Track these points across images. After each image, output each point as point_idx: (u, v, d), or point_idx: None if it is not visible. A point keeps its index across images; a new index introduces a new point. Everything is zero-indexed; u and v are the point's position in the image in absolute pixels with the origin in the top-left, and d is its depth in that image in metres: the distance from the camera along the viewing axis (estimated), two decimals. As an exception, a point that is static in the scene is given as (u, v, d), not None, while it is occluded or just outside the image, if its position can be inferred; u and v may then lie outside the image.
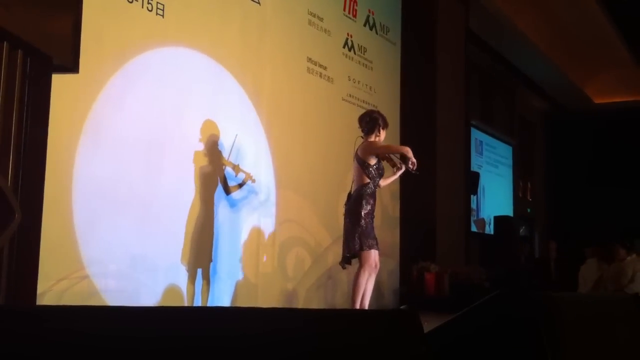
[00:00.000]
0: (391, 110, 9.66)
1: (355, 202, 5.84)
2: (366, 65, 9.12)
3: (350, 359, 1.43)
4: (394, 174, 6.20)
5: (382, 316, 1.58)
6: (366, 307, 5.86)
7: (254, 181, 6.67)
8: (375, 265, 5.81)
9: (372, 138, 6.01)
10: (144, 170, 5.72)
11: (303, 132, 7.82)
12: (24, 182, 2.76)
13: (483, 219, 14.36)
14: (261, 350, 1.43)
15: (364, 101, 8.97)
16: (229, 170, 6.54)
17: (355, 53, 8.87)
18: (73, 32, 3.00)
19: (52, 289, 4.78)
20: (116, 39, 5.51)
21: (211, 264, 6.32)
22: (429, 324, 1.72)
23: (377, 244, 5.85)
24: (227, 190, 6.44)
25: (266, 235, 7.14)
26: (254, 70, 7.06)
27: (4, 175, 2.67)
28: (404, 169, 6.05)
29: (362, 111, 8.87)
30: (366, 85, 9.07)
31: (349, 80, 8.74)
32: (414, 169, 5.92)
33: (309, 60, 7.97)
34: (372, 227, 5.83)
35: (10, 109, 2.71)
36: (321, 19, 8.17)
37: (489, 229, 14.42)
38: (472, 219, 13.59)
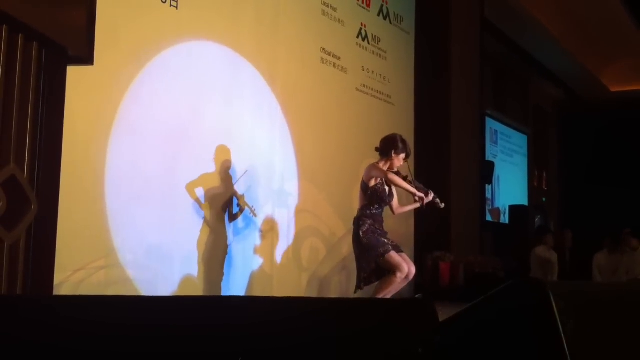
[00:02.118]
0: (405, 100, 9.65)
1: (354, 226, 5.84)
2: (380, 55, 9.10)
3: (366, 347, 1.43)
4: (414, 203, 6.04)
5: (397, 305, 1.58)
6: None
7: (255, 215, 6.62)
8: (402, 265, 5.66)
9: (382, 162, 5.91)
10: (160, 160, 5.75)
11: (317, 122, 7.82)
12: (40, 173, 2.77)
13: (498, 209, 14.32)
14: (276, 338, 1.44)
15: (378, 91, 8.96)
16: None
17: (369, 43, 8.85)
18: (88, 24, 3.00)
19: (68, 279, 4.82)
20: (132, 33, 5.52)
21: (226, 257, 6.35)
22: (443, 313, 1.72)
23: (394, 247, 5.75)
24: (231, 217, 6.43)
25: (281, 226, 7.15)
26: (268, 61, 7.06)
27: (20, 167, 2.69)
28: (424, 200, 5.92)
29: (377, 101, 8.90)
30: (380, 75, 9.05)
31: (363, 70, 8.73)
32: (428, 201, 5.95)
33: (323, 50, 7.96)
34: (378, 239, 5.72)
35: (26, 101, 2.72)
36: (335, 9, 8.15)
37: (504, 219, 14.38)
38: (487, 208, 13.55)
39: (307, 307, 1.57)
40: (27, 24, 2.70)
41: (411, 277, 5.83)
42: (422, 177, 9.69)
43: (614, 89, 17.52)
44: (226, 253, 6.35)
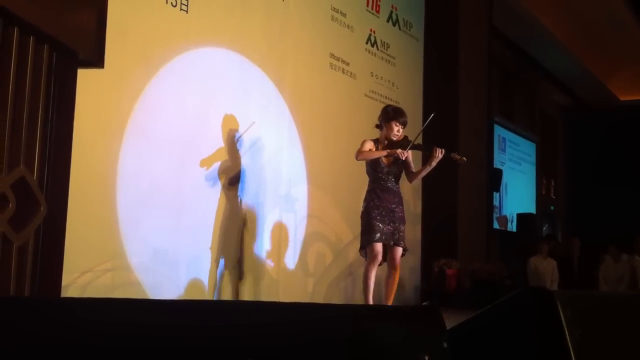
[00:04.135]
0: (413, 106, 9.63)
1: None
2: (389, 61, 9.10)
3: (373, 354, 1.43)
4: (429, 164, 5.83)
5: (404, 312, 1.58)
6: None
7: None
8: (376, 257, 5.62)
9: (380, 136, 5.93)
10: (169, 164, 5.77)
11: (325, 127, 7.82)
12: (49, 175, 2.78)
13: (505, 216, 14.29)
14: (282, 344, 1.44)
15: (386, 97, 8.96)
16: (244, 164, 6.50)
17: (378, 49, 8.86)
18: (98, 27, 3.01)
19: (76, 281, 4.83)
20: (142, 36, 5.54)
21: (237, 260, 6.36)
22: (449, 320, 1.72)
23: (384, 237, 5.65)
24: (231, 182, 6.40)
25: (287, 231, 7.15)
26: (276, 66, 7.07)
27: (30, 169, 2.70)
28: (433, 159, 5.71)
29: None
30: (389, 81, 9.05)
31: (372, 76, 8.73)
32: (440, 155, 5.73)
33: (332, 56, 7.97)
34: (374, 223, 5.63)
35: (36, 104, 2.73)
36: (344, 15, 8.16)
37: (511, 227, 14.35)
38: (495, 216, 13.53)
39: (314, 313, 1.57)
40: (38, 27, 2.71)
41: (391, 271, 5.76)
42: (430, 183, 9.71)
43: (623, 97, 17.49)
44: (237, 256, 6.35)
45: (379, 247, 5.66)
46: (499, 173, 13.19)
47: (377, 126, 6.02)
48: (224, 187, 6.28)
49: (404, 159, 5.83)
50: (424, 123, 9.73)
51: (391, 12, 9.21)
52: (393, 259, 5.76)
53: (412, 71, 9.70)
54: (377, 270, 5.79)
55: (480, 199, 11.84)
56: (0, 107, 2.57)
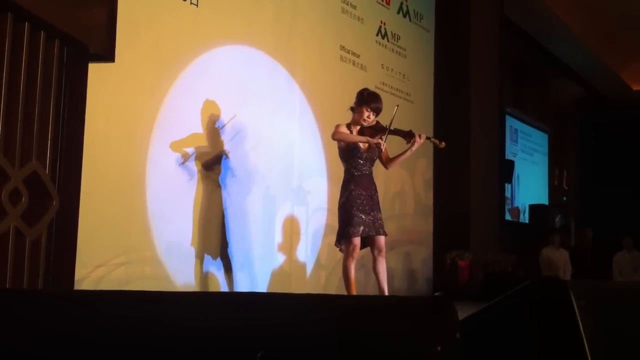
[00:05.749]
0: (424, 98, 9.63)
1: None
2: (399, 52, 9.08)
3: (386, 345, 1.43)
4: (410, 149, 5.74)
5: (417, 303, 1.58)
6: (385, 292, 5.70)
7: (228, 157, 6.27)
8: (355, 250, 5.50)
9: (352, 120, 5.75)
10: (181, 157, 5.78)
11: (335, 120, 7.79)
12: (61, 169, 2.79)
13: (517, 208, 14.25)
14: (294, 334, 1.44)
15: (397, 89, 8.94)
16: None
17: (388, 41, 8.84)
18: (108, 20, 3.01)
19: (89, 275, 4.85)
20: (152, 31, 5.55)
21: (228, 249, 6.24)
22: (462, 312, 1.72)
23: (367, 228, 5.52)
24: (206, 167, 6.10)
25: (299, 224, 7.16)
26: (287, 58, 7.07)
27: (42, 163, 2.71)
28: (416, 143, 5.63)
29: (396, 99, 8.86)
30: (399, 73, 9.03)
31: (382, 68, 8.71)
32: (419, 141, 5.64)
33: (342, 48, 7.96)
34: (358, 214, 5.48)
35: (47, 97, 2.73)
36: (354, 7, 8.15)
37: (524, 218, 14.30)
38: (507, 207, 13.48)
39: (326, 304, 1.58)
40: (48, 22, 2.71)
41: (379, 259, 5.62)
42: (442, 174, 9.72)
43: (636, 87, 17.37)
44: (226, 245, 6.25)
45: (357, 240, 5.53)
46: (510, 164, 13.14)
47: (352, 109, 5.81)
48: (203, 176, 6.04)
49: (383, 149, 5.72)
50: (435, 116, 9.75)
51: (401, 3, 9.19)
52: (380, 249, 5.62)
53: (423, 63, 9.68)
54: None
55: (492, 190, 11.79)
56: (12, 102, 2.58)
